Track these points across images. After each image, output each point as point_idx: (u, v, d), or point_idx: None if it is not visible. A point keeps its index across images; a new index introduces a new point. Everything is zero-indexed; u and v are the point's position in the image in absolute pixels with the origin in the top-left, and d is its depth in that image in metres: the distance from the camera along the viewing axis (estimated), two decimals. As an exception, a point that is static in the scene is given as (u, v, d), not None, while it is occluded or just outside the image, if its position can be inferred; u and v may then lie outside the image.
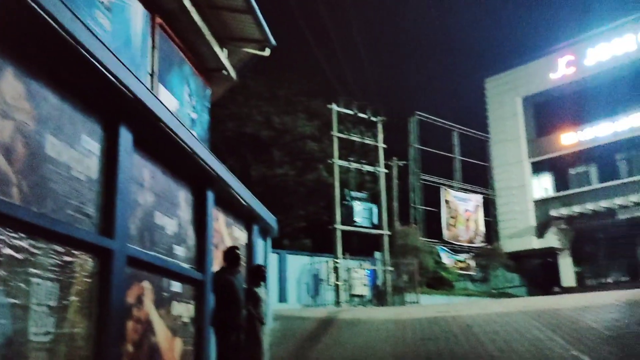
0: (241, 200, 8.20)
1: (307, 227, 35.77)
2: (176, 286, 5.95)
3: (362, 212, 27.65)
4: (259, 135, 35.78)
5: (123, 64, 4.19)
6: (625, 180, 32.09)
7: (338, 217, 26.37)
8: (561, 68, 35.11)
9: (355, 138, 28.37)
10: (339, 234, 26.12)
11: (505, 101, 37.62)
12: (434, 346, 10.96)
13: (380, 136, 29.15)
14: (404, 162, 31.62)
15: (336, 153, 27.26)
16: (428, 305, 22.25)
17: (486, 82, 39.05)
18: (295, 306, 24.41)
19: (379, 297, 27.42)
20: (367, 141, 28.80)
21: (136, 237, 5.01)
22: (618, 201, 31.08)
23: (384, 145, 29.22)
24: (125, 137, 4.63)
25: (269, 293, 14.94)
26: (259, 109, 35.91)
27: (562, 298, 17.51)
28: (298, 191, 35.97)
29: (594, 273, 34.98)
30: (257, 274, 8.51)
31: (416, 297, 27.38)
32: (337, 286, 25.29)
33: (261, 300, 8.27)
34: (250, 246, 9.92)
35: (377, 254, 28.71)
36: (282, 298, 24.85)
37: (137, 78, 4.43)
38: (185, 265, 6.31)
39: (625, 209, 31.39)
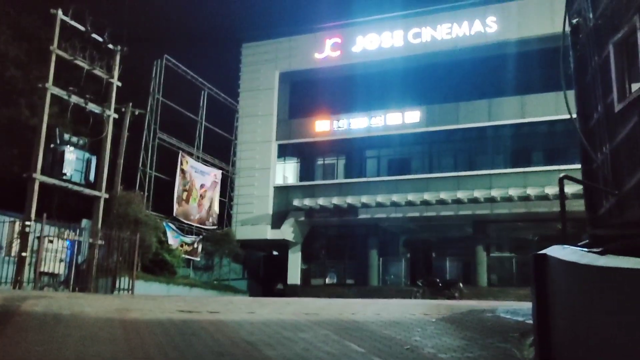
0: None
1: (-9, 178, 26.96)
2: None
3: (75, 163, 20.55)
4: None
5: None
6: (372, 179, 30.64)
7: (39, 164, 18.98)
8: (327, 49, 32.50)
9: (82, 64, 21.09)
10: (36, 187, 18.77)
11: (262, 72, 33.77)
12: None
13: (117, 71, 22.39)
14: (140, 112, 25.12)
15: (52, 76, 19.79)
16: (162, 298, 16.31)
17: (243, 48, 34.70)
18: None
19: (80, 278, 20.59)
20: (98, 72, 21.74)
21: None
22: (364, 199, 29.29)
23: (119, 83, 22.54)
24: None
25: None
26: (-59, 11, 26.19)
27: (347, 304, 13.53)
28: (-15, 129, 27.01)
29: (321, 272, 32.98)
30: None
31: (130, 283, 21.27)
32: (21, 258, 17.84)
33: None
34: None
35: (85, 222, 21.85)
36: None
37: None
38: None
39: (367, 208, 29.78)
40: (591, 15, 10.86)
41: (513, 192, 26.80)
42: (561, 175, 9.55)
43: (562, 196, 9.39)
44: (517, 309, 11.85)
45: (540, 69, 27.85)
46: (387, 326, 10.06)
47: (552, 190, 26.07)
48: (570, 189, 25.66)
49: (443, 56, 30.13)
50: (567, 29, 11.85)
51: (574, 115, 11.66)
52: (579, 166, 27.97)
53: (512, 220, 28.53)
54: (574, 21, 11.54)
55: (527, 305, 12.83)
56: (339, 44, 32.50)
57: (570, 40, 11.67)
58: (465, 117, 29.28)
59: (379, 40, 31.70)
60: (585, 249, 7.69)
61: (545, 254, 8.63)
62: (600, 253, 7.28)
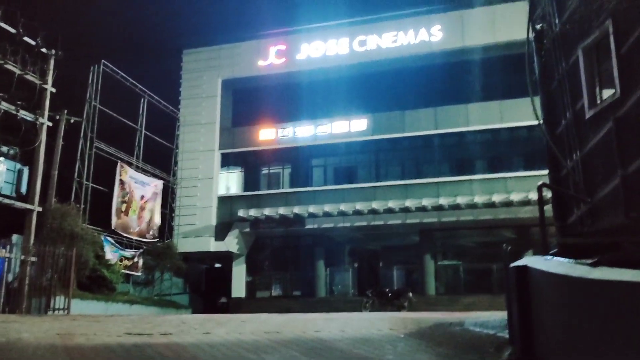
0: None
1: None
2: None
3: (5, 175, 19.16)
4: None
5: None
6: (319, 188, 30.13)
7: (-35, 176, 17.49)
8: (272, 56, 31.85)
9: (13, 68, 19.69)
10: (-39, 201, 17.31)
11: (204, 80, 32.80)
12: None
13: (51, 77, 21.06)
14: (76, 119, 23.64)
15: (-22, 81, 18.36)
16: (105, 319, 15.10)
17: (184, 54, 33.61)
18: None
19: (11, 299, 19.07)
20: (31, 78, 20.36)
21: None
22: (311, 209, 28.73)
23: (53, 89, 21.21)
24: None
25: None
26: None
27: (307, 320, 12.87)
28: None
29: (266, 284, 32.13)
30: None
31: (66, 302, 19.90)
32: (-56, 279, 16.34)
33: None
34: None
35: (16, 237, 20.33)
36: None
37: None
38: None
39: (314, 218, 29.23)
40: (557, 21, 10.69)
41: (460, 200, 26.86)
42: (539, 183, 9.29)
43: (540, 204, 9.11)
44: (485, 320, 11.51)
45: (485, 78, 28.13)
46: (356, 344, 9.50)
47: (498, 197, 26.29)
48: (516, 196, 25.96)
49: (389, 64, 30.02)
50: (531, 34, 11.69)
51: (541, 122, 11.47)
52: (524, 174, 28.19)
53: (459, 227, 28.61)
54: (538, 27, 11.36)
55: (494, 317, 12.55)
56: (284, 51, 31.89)
57: (534, 47, 11.48)
58: (412, 126, 29.23)
59: (324, 48, 31.30)
60: (572, 260, 7.38)
61: (525, 266, 8.27)
62: (593, 265, 6.94)
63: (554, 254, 10.58)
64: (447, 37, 29.30)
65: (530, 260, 8.41)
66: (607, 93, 9.29)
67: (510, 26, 27.60)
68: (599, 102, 9.31)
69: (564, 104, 10.47)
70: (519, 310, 8.31)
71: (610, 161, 8.83)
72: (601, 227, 9.49)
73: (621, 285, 5.51)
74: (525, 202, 25.88)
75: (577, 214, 9.96)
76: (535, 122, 28.86)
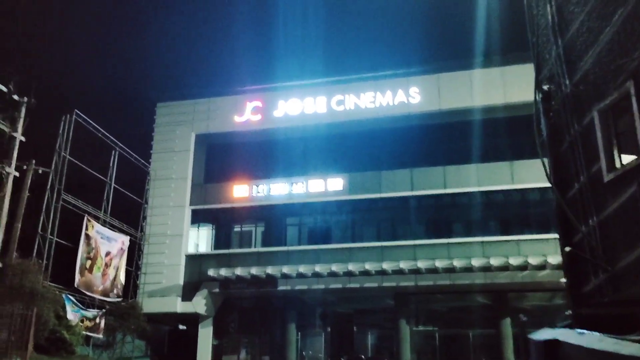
0: None
1: None
2: None
3: (-36, 226, 17.80)
4: None
5: None
6: (293, 248, 29.28)
7: None
8: (248, 113, 31.47)
9: (-19, 114, 18.73)
10: None
11: (177, 134, 32.12)
12: None
13: (22, 125, 20.12)
14: (45, 170, 22.45)
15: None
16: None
17: (158, 107, 33.00)
18: None
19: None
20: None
21: None
22: (285, 269, 27.74)
23: (23, 138, 20.21)
24: None
25: None
26: None
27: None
28: None
29: (234, 348, 30.68)
30: None
31: (23, 366, 18.30)
32: None
33: None
34: None
35: (-30, 295, 18.82)
36: None
37: None
38: None
39: (287, 279, 28.22)
40: (567, 82, 10.45)
41: (439, 263, 26.27)
42: (567, 249, 8.81)
43: (566, 271, 8.61)
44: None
45: (462, 141, 28.19)
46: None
47: (476, 262, 25.83)
48: (494, 261, 25.52)
49: (366, 124, 29.88)
50: (538, 95, 11.47)
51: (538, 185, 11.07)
52: (501, 238, 27.48)
53: (435, 292, 27.98)
54: (546, 88, 11.15)
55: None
56: (260, 108, 31.51)
57: (541, 108, 11.23)
58: (389, 186, 28.82)
59: (301, 106, 31.04)
60: (618, 336, 6.82)
61: (557, 340, 7.67)
62: (643, 341, 6.40)
63: (569, 326, 9.98)
64: (424, 99, 29.42)
65: (561, 334, 7.81)
66: (626, 156, 8.97)
67: (487, 91, 28.03)
68: (619, 165, 8.97)
69: (577, 167, 10.10)
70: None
71: (635, 227, 8.41)
72: (624, 298, 8.99)
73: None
74: (504, 267, 25.53)
75: (595, 282, 9.44)
76: (512, 187, 28.50)
